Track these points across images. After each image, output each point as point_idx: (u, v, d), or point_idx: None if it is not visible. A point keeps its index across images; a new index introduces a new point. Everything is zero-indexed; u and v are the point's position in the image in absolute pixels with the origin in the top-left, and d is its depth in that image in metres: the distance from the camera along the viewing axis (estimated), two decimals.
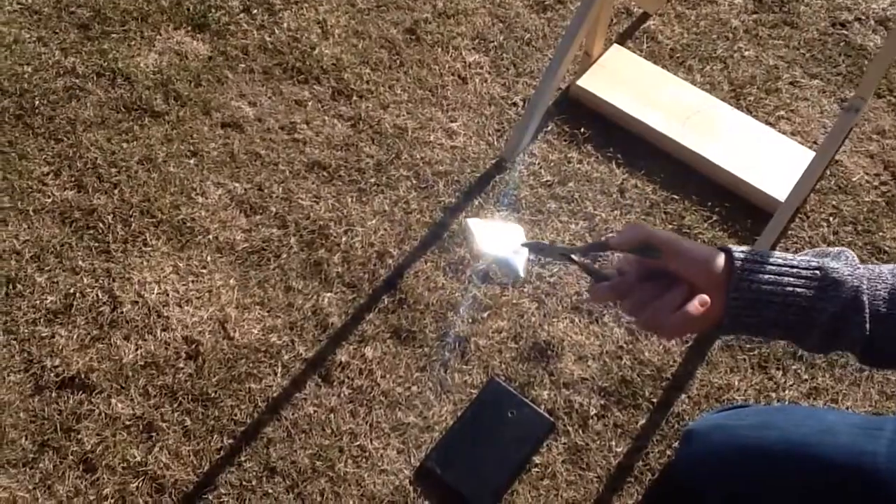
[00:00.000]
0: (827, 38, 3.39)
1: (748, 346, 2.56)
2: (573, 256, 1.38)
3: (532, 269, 2.65)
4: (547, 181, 2.87)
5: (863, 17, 3.47)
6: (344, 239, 2.69)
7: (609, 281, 1.19)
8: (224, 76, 3.07)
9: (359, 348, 2.48)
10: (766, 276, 1.01)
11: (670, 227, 2.82)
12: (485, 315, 2.56)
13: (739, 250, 1.07)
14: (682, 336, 1.22)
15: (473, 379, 2.45)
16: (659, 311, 1.05)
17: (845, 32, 3.41)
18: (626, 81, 3.02)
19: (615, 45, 3.18)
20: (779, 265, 1.03)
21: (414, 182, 2.84)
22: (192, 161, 2.85)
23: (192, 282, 2.59)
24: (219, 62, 3.11)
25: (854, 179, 2.94)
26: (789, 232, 2.81)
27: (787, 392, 2.47)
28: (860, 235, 2.81)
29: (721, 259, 1.05)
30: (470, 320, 2.55)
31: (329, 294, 2.58)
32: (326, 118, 2.98)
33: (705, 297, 1.02)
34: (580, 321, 2.57)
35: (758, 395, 2.46)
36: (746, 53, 3.30)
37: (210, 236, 2.68)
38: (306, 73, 3.09)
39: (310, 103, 3.02)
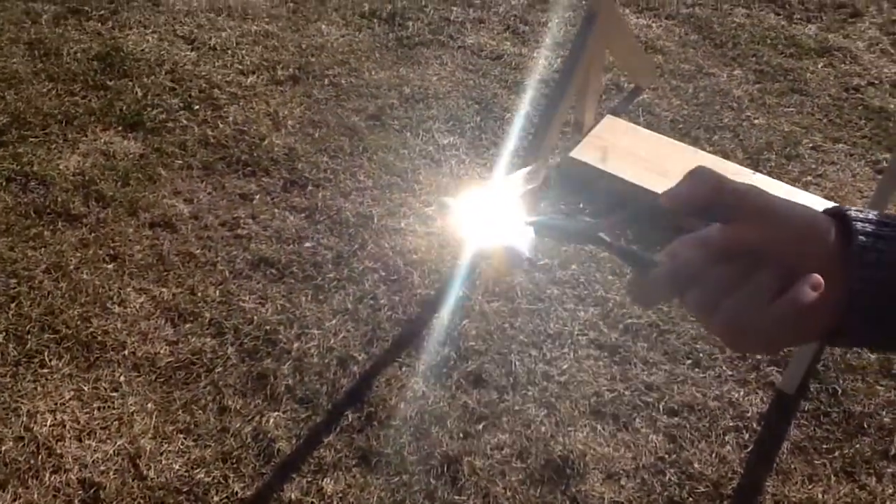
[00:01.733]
0: (843, 104, 3.01)
1: (825, 446, 1.96)
2: (602, 235, 0.84)
3: (535, 322, 2.09)
4: (544, 265, 2.36)
5: (876, 82, 3.12)
6: (296, 345, 2.14)
7: (661, 267, 0.69)
8: (157, 174, 2.62)
9: (315, 481, 1.87)
10: None
11: None
12: (480, 427, 1.97)
13: (857, 210, 0.69)
14: (781, 348, 0.62)
15: None
16: (747, 303, 0.64)
17: (860, 96, 3.05)
18: (627, 151, 2.59)
19: (609, 115, 2.77)
20: None
21: (382, 274, 2.33)
22: (110, 266, 2.34)
23: (98, 408, 2.00)
24: (152, 160, 2.67)
25: None
26: None
27: None
28: None
29: (829, 224, 0.67)
30: (461, 435, 1.95)
31: (276, 413, 1.99)
32: (276, 211, 2.51)
33: (817, 277, 0.63)
34: (604, 428, 1.98)
35: None
36: (756, 122, 2.90)
37: (126, 352, 2.12)
38: (254, 166, 2.65)
39: (257, 196, 2.55)
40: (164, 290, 2.28)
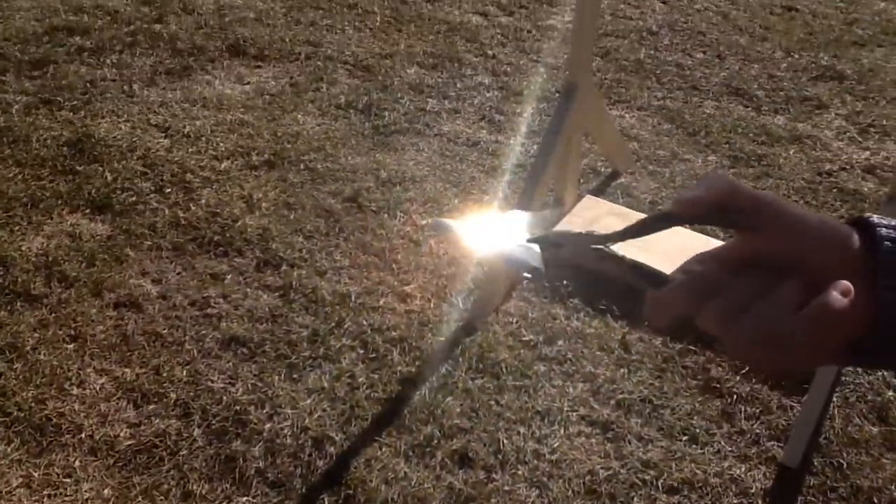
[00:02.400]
0: (817, 186, 3.04)
1: None
2: (609, 248, 0.77)
3: (522, 399, 1.96)
4: (530, 341, 2.27)
5: (847, 167, 3.17)
6: (268, 425, 2.00)
7: (674, 284, 0.64)
8: (124, 255, 2.52)
9: None
10: None
11: (694, 382, 2.19)
12: None
13: (879, 217, 0.66)
14: (808, 362, 0.55)
15: None
16: (775, 311, 0.59)
17: (834, 180, 3.08)
18: (608, 228, 2.54)
19: (588, 195, 2.76)
20: None
21: (361, 352, 2.21)
22: (70, 346, 2.20)
23: (49, 496, 1.83)
24: (119, 241, 2.57)
25: None
26: (843, 378, 2.21)
27: None
28: None
29: (850, 232, 0.63)
30: None
31: (245, 499, 1.83)
32: (249, 290, 2.41)
33: (846, 283, 0.59)
34: None
35: None
36: None
37: (82, 435, 1.96)
38: (226, 246, 2.57)
39: (229, 276, 2.45)
40: (126, 370, 2.14)
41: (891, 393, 2.19)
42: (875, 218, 0.66)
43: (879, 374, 2.24)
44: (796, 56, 3.89)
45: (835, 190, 3.03)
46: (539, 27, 4.07)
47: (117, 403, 2.06)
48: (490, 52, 3.81)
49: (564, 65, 3.71)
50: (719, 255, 0.67)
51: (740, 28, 4.13)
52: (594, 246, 0.76)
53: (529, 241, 0.78)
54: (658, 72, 3.72)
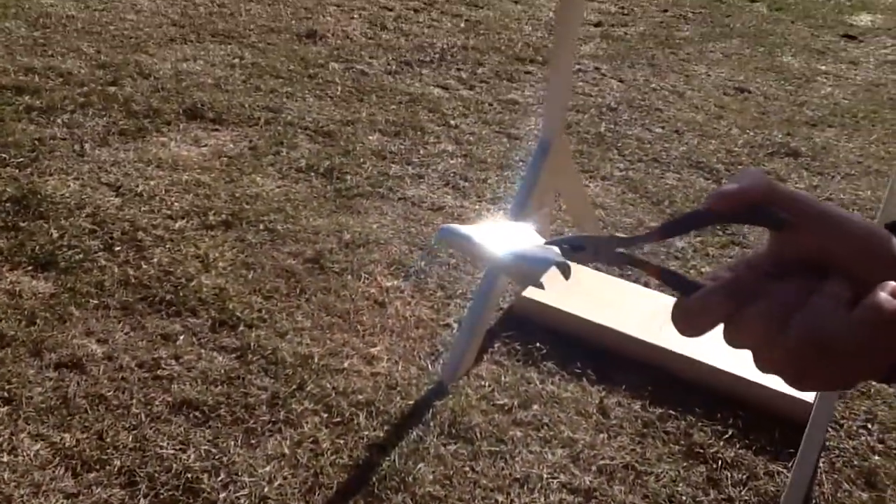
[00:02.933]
0: None
1: None
2: (634, 254, 0.70)
3: (499, 465, 1.82)
4: (504, 405, 2.15)
5: None
6: (222, 494, 1.82)
7: (710, 286, 0.58)
8: (68, 314, 2.34)
9: None
10: None
11: (677, 447, 2.08)
12: None
13: None
14: (861, 372, 0.49)
15: None
16: (826, 312, 0.54)
17: None
18: (580, 290, 2.48)
19: None
20: None
21: (324, 416, 2.07)
22: (3, 410, 2.00)
23: None
24: (63, 300, 2.40)
25: (874, 384, 2.36)
26: (828, 444, 2.13)
27: None
28: None
29: (888, 234, 0.60)
30: None
31: None
32: (203, 351, 2.25)
33: (894, 284, 0.55)
34: None
35: None
36: (703, 270, 2.87)
37: None
38: (179, 306, 2.41)
39: (181, 337, 2.30)
40: (66, 435, 1.95)
41: (876, 458, 2.12)
42: None
43: (863, 438, 2.17)
44: (751, 133, 3.97)
45: None
46: (500, 101, 4.08)
47: (53, 472, 1.86)
48: (453, 122, 3.79)
49: (538, 126, 3.72)
50: (753, 261, 0.62)
51: (696, 106, 4.21)
52: (619, 250, 0.69)
53: (548, 243, 0.70)
54: (619, 144, 3.75)
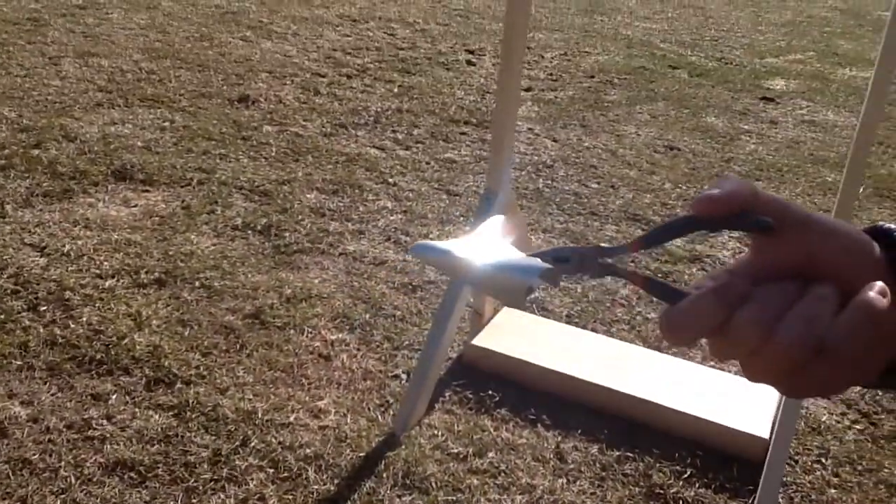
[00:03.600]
0: None
1: None
2: (619, 264, 0.67)
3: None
4: (458, 453, 2.07)
5: None
6: None
7: (698, 293, 0.56)
8: None
9: None
10: None
11: (637, 489, 2.03)
12: None
13: (892, 225, 0.65)
14: (852, 380, 0.48)
15: None
16: (818, 312, 0.55)
17: None
18: (530, 338, 2.45)
19: (506, 308, 2.66)
20: None
21: (270, 472, 1.95)
22: None
23: None
24: None
25: (824, 420, 2.38)
26: (785, 479, 2.11)
27: None
28: (863, 475, 2.16)
29: (869, 239, 0.61)
30: None
31: None
32: (138, 410, 2.12)
33: (882, 284, 0.56)
34: None
35: None
36: (650, 316, 2.88)
37: None
38: (110, 365, 2.28)
39: (114, 396, 2.16)
40: None
41: (833, 491, 2.10)
42: (890, 225, 0.65)
43: (819, 473, 2.16)
44: (684, 187, 4.07)
45: None
46: (437, 160, 4.10)
47: None
48: (391, 180, 3.78)
49: (477, 183, 3.73)
50: (738, 268, 0.61)
51: (629, 163, 4.31)
52: (602, 261, 0.66)
53: (531, 255, 0.66)
54: (557, 199, 3.78)
